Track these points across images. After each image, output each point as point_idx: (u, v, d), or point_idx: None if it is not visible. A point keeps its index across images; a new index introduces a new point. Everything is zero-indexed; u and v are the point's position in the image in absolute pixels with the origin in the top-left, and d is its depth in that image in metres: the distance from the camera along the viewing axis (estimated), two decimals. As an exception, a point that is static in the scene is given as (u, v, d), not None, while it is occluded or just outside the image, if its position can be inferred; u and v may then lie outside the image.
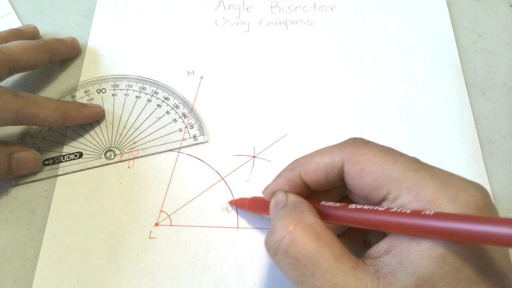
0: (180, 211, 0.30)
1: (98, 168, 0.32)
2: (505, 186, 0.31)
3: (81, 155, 0.32)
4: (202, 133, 0.33)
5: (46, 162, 0.32)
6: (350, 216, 0.20)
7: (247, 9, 0.40)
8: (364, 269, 0.18)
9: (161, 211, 0.30)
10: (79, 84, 0.36)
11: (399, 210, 0.18)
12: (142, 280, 0.28)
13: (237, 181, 0.31)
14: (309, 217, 0.20)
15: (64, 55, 0.36)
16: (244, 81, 0.36)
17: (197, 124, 0.33)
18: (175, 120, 0.34)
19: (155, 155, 0.32)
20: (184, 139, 0.33)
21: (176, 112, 0.34)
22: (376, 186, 0.20)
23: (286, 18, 0.39)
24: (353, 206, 0.20)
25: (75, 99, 0.35)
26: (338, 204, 0.21)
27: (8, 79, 0.33)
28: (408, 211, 0.18)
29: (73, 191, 0.31)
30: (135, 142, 0.33)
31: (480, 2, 0.40)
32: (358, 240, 0.25)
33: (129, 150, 0.33)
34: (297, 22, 0.39)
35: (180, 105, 0.34)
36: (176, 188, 0.31)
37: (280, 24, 0.39)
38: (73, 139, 0.33)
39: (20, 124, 0.32)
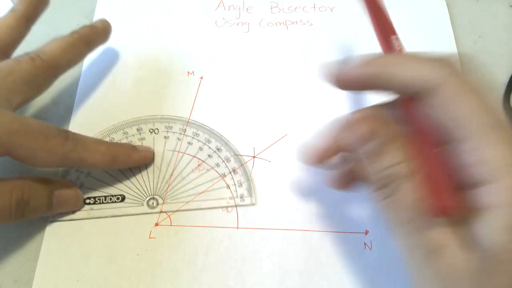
0: (180, 211, 0.30)
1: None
2: (505, 186, 0.31)
3: (123, 198, 0.30)
4: (250, 194, 0.31)
5: (87, 201, 0.30)
6: None
7: (247, 9, 0.40)
8: None
9: (161, 211, 0.30)
10: (132, 120, 0.33)
11: None
12: (142, 280, 0.28)
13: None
14: None
15: (99, 42, 0.34)
16: (244, 82, 0.36)
17: (246, 183, 0.31)
18: (223, 175, 0.31)
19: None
20: (230, 198, 0.31)
21: (226, 166, 0.32)
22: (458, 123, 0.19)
23: (286, 19, 0.39)
24: None
25: (127, 135, 0.33)
26: None
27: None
28: None
29: (73, 191, 0.31)
30: (180, 193, 0.31)
31: (480, 2, 0.40)
32: None
33: (171, 201, 0.31)
34: (297, 23, 0.39)
35: (232, 158, 0.32)
36: (176, 188, 0.31)
37: (280, 24, 0.39)
38: (118, 180, 0.31)
39: (66, 167, 0.31)
